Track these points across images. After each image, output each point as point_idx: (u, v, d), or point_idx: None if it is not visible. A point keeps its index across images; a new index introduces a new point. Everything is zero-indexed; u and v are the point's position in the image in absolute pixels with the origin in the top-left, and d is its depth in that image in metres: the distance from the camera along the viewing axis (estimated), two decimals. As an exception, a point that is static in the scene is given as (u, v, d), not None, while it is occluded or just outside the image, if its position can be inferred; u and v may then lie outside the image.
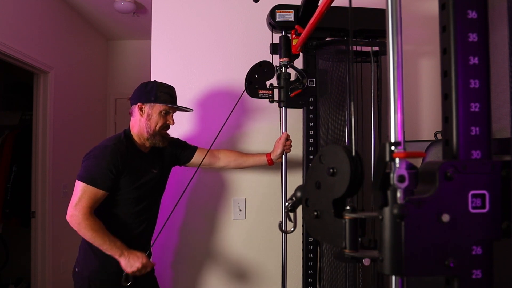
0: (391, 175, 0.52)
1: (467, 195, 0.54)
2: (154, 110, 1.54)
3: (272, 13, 1.54)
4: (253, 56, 1.73)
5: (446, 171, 0.53)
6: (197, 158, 1.73)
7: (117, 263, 1.49)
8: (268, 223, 2.01)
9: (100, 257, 1.49)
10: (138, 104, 1.56)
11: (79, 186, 1.42)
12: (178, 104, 1.64)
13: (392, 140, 0.53)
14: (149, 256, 1.66)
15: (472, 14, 0.57)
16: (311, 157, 1.58)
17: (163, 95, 1.54)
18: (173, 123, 1.59)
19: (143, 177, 1.54)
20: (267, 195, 2.01)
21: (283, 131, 1.62)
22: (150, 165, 1.59)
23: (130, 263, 1.40)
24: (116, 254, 1.40)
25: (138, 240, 1.56)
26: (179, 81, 2.00)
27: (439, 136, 1.74)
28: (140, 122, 1.55)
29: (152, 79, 1.92)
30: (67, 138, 3.26)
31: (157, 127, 1.54)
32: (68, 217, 1.41)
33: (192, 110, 1.71)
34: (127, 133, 1.58)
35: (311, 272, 1.57)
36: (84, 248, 1.52)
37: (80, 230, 1.40)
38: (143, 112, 1.55)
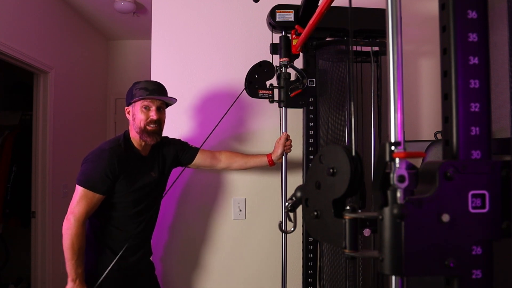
0: (391, 175, 0.52)
1: (467, 195, 0.54)
2: (135, 109, 1.54)
3: (272, 13, 1.54)
4: (253, 56, 1.73)
5: (446, 171, 0.53)
6: (198, 159, 1.73)
7: (117, 261, 1.50)
8: (268, 223, 2.01)
9: (99, 255, 1.50)
10: (125, 108, 1.60)
11: (78, 190, 1.44)
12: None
13: (392, 140, 0.53)
14: (149, 254, 1.67)
15: (472, 14, 0.57)
16: (311, 157, 1.58)
17: (139, 91, 1.53)
18: (156, 117, 1.52)
19: (140, 180, 1.54)
20: (267, 195, 2.01)
21: (283, 131, 1.62)
22: (149, 168, 1.59)
23: None
24: (70, 276, 1.41)
25: (136, 240, 1.57)
26: (179, 81, 2.00)
27: (439, 136, 1.74)
28: (131, 124, 1.57)
29: (152, 79, 1.92)
30: (67, 138, 3.26)
31: (142, 124, 1.52)
32: (65, 219, 1.44)
33: (176, 100, 1.62)
34: (127, 136, 1.58)
35: (311, 272, 1.57)
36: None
37: (64, 234, 1.42)
38: (130, 115, 1.58)
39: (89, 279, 1.48)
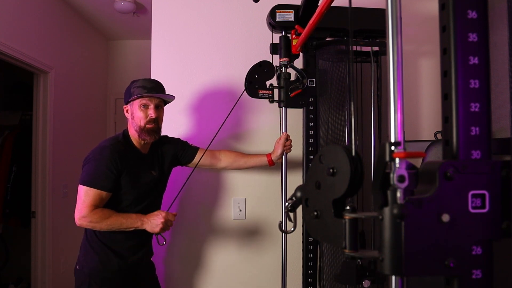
0: (391, 175, 0.52)
1: (467, 195, 0.54)
2: (134, 107, 1.54)
3: (272, 13, 1.54)
4: (253, 56, 1.73)
5: (446, 171, 0.53)
6: (198, 159, 1.73)
7: (117, 261, 1.50)
8: (268, 223, 2.01)
9: (100, 255, 1.50)
10: (124, 106, 1.60)
11: (82, 190, 1.43)
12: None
13: (392, 140, 0.53)
14: (150, 254, 1.67)
15: (472, 14, 0.57)
16: (311, 157, 1.58)
17: (137, 89, 1.53)
18: (154, 115, 1.52)
19: (141, 178, 1.54)
20: (267, 195, 2.01)
21: (283, 131, 1.62)
22: (149, 166, 1.60)
23: (153, 224, 1.44)
24: (138, 225, 1.44)
25: (138, 237, 1.56)
26: (179, 81, 2.00)
27: (439, 136, 1.74)
28: (130, 123, 1.57)
29: (152, 79, 1.92)
30: (67, 138, 3.26)
31: (142, 123, 1.52)
32: (77, 222, 1.42)
33: (174, 97, 1.62)
34: (126, 134, 1.58)
35: (311, 272, 1.57)
36: (85, 246, 1.53)
37: (95, 226, 1.43)
38: (128, 113, 1.58)
39: (92, 278, 1.48)
